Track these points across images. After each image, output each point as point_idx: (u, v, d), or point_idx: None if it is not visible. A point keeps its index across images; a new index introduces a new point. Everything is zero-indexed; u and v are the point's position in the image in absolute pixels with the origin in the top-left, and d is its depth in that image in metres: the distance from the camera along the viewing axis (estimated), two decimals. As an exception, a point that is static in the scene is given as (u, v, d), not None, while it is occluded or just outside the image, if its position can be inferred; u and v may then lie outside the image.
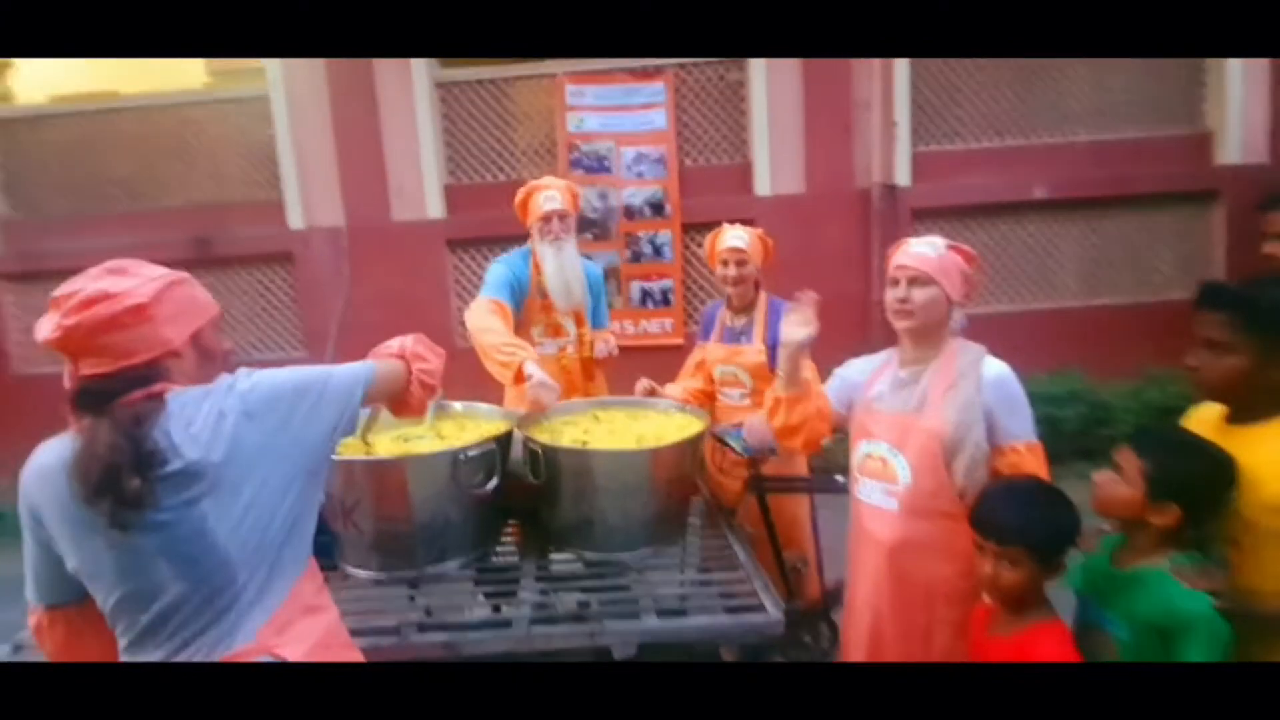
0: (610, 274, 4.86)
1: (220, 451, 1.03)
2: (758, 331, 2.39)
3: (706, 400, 2.51)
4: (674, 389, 2.47)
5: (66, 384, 1.05)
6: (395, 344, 1.44)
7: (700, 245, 4.91)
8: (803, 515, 2.48)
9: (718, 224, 5.12)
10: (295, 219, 4.90)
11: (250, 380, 1.12)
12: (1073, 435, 4.48)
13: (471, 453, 1.68)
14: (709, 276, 4.96)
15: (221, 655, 1.06)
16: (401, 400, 1.42)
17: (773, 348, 2.28)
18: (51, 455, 1.05)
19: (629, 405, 2.21)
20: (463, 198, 4.92)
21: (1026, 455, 1.58)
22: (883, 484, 1.66)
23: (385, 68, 4.74)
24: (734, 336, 2.46)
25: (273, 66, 4.75)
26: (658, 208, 4.80)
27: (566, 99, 4.77)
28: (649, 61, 4.77)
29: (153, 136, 4.95)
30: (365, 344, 1.52)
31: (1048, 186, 4.72)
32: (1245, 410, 1.39)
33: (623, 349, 4.96)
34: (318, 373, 1.20)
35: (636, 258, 4.84)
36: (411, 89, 4.73)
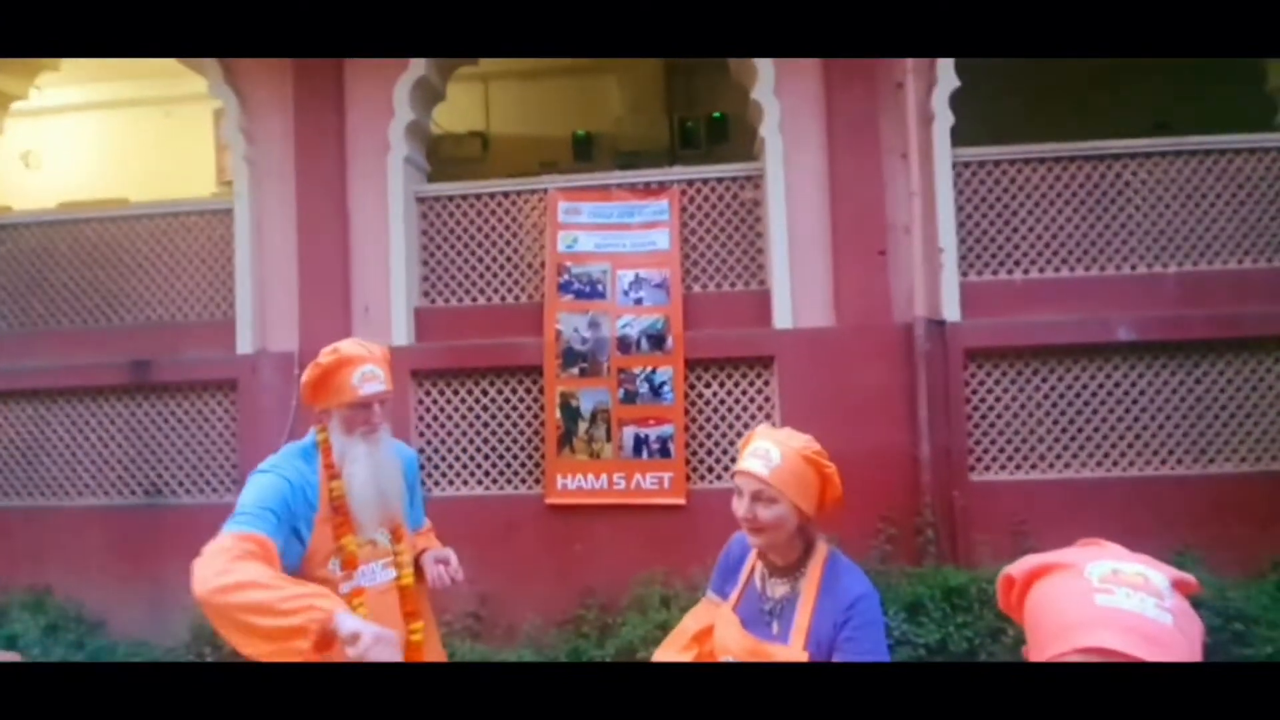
0: (599, 416, 4.08)
1: None
2: (802, 620, 1.39)
3: None
4: (658, 657, 1.54)
5: None
6: None
7: (708, 385, 4.17)
8: None
9: (729, 361, 4.18)
10: (244, 342, 4.31)
11: None
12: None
13: None
14: (718, 423, 4.12)
15: None
16: None
17: (823, 651, 1.36)
18: None
19: None
20: (435, 322, 4.30)
21: None
22: None
23: (360, 174, 4.29)
24: (764, 619, 1.45)
25: (240, 176, 4.35)
26: (657, 340, 4.07)
27: (558, 216, 4.22)
28: (653, 177, 4.24)
29: (108, 249, 4.53)
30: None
31: (1134, 325, 3.86)
32: None
33: (613, 510, 4.21)
34: None
35: (630, 398, 4.05)
36: (386, 201, 4.24)
